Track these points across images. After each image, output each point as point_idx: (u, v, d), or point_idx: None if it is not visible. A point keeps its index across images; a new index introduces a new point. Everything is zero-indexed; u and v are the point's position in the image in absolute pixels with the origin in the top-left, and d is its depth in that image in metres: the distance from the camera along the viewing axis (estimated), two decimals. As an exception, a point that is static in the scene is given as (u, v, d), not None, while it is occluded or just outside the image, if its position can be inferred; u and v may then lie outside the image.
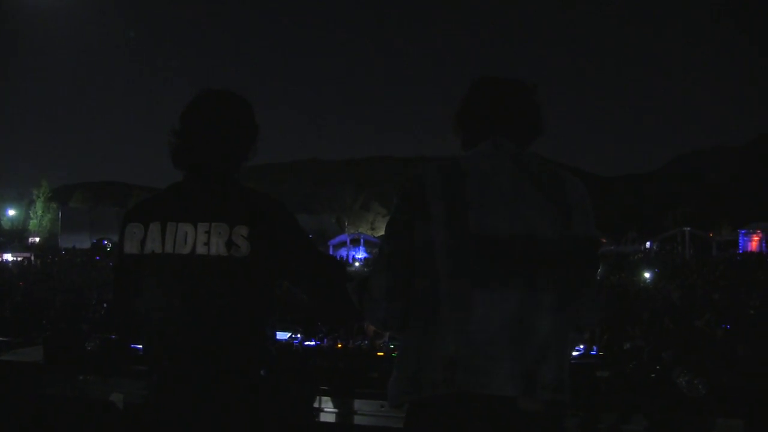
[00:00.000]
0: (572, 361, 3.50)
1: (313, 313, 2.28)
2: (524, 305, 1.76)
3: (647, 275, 18.77)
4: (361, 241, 46.15)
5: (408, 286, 1.86)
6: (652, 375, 3.29)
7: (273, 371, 2.11)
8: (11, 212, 73.29)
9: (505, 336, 1.74)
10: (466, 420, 1.74)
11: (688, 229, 46.79)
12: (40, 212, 71.42)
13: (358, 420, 3.13)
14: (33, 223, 71.04)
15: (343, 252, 44.63)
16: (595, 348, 3.78)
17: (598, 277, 2.05)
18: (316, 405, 3.20)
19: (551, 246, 1.80)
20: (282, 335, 4.03)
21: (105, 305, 7.02)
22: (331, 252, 46.37)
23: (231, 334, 2.01)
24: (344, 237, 49.40)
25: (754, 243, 42.23)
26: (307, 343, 3.84)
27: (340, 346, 3.63)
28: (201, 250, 1.98)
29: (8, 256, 42.31)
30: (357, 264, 35.64)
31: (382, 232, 2.05)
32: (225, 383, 1.98)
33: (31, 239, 62.35)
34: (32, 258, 39.32)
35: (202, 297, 1.99)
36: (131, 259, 2.05)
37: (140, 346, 2.32)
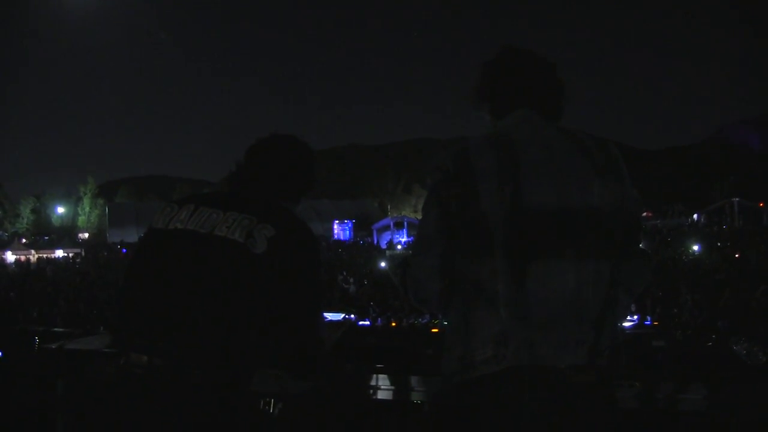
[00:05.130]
0: (628, 332, 3.53)
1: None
2: (579, 276, 1.74)
3: (696, 248, 18.38)
4: (405, 224, 45.95)
5: (450, 265, 1.84)
6: (708, 344, 3.26)
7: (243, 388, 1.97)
8: (60, 210, 75.18)
9: (560, 307, 1.72)
10: (518, 395, 1.72)
11: (737, 199, 45.53)
12: (87, 209, 73.18)
13: (414, 397, 3.15)
14: (81, 220, 72.84)
15: (387, 236, 44.61)
16: (649, 318, 3.75)
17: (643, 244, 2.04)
18: (372, 383, 3.24)
19: (604, 216, 1.79)
20: (335, 316, 4.10)
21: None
22: (375, 236, 46.46)
23: (218, 327, 1.88)
24: (388, 221, 49.19)
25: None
26: (361, 322, 3.89)
27: (394, 324, 3.67)
28: (220, 232, 1.95)
29: (60, 252, 43.64)
30: (400, 247, 35.60)
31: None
32: (193, 376, 1.84)
33: (80, 235, 64.01)
34: (83, 253, 40.46)
35: (204, 277, 1.91)
36: (153, 234, 2.06)
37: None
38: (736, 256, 16.40)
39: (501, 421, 1.75)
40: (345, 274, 17.12)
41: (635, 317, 3.54)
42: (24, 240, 54.11)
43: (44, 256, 42.46)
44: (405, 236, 42.60)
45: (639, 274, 1.91)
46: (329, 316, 4.15)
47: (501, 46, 2.07)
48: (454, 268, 1.84)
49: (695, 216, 46.74)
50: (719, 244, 21.71)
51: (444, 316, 1.96)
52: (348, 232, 49.50)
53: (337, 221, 50.85)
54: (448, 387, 1.87)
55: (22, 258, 41.58)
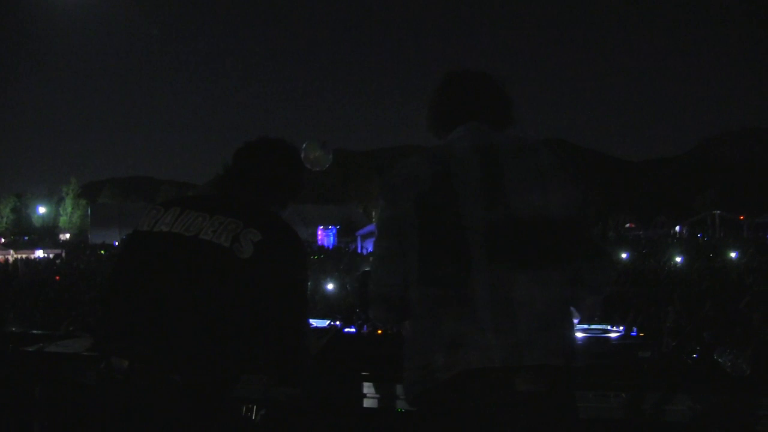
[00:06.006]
0: (614, 342, 3.53)
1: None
2: (536, 279, 1.77)
3: (678, 259, 18.55)
4: (389, 230, 45.84)
5: (405, 282, 1.87)
6: (694, 355, 3.26)
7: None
8: (41, 209, 74.53)
9: (514, 310, 1.74)
10: (468, 401, 1.73)
11: (718, 212, 46.22)
12: (69, 209, 72.70)
13: (400, 405, 3.13)
14: (63, 220, 72.35)
15: (371, 242, 44.49)
16: (635, 329, 3.76)
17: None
18: (358, 390, 3.21)
19: (560, 218, 1.83)
20: (320, 323, 4.06)
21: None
22: (359, 243, 46.39)
23: (203, 333, 1.85)
24: (372, 227, 49.24)
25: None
26: (346, 330, 3.86)
27: (380, 332, 3.64)
28: (205, 236, 1.92)
29: (40, 253, 43.16)
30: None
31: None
32: (174, 381, 1.82)
33: (61, 236, 63.47)
34: (63, 254, 40.04)
35: (187, 282, 1.89)
36: (137, 236, 2.04)
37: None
38: (718, 265, 16.58)
39: (452, 428, 1.76)
40: (330, 280, 17.07)
41: (621, 328, 3.57)
42: (2, 240, 53.54)
43: (23, 256, 41.99)
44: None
45: (602, 272, 1.96)
46: (314, 322, 4.12)
47: (446, 71, 2.18)
48: (411, 282, 1.86)
49: (677, 228, 47.38)
50: (698, 255, 21.88)
51: (405, 326, 1.97)
52: (332, 237, 49.37)
53: (321, 227, 50.68)
54: (409, 397, 1.88)
55: (1, 258, 41.07)
